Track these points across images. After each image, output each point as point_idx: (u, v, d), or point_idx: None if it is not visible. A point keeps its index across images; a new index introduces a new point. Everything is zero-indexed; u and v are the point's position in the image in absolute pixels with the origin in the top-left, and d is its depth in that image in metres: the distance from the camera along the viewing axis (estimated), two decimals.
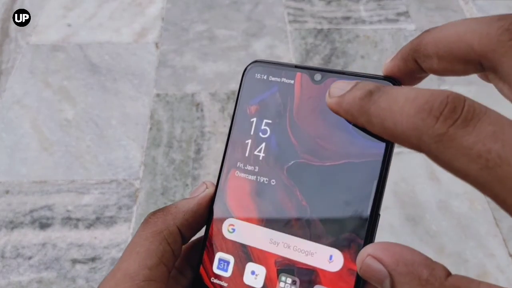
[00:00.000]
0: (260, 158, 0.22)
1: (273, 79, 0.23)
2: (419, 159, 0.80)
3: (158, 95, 0.91)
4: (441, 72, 0.19)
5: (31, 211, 0.75)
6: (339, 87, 0.19)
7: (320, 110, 0.21)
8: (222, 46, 1.01)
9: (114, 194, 0.77)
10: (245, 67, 0.24)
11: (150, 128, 0.86)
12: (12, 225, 0.74)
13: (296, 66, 0.23)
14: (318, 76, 0.22)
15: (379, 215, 0.20)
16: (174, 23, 1.06)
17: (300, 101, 0.22)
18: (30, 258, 0.70)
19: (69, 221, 0.74)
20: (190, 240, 0.23)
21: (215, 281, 0.22)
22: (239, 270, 0.22)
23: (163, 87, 0.93)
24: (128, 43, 1.01)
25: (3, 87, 0.93)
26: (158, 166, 0.80)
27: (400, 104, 0.16)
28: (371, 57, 0.98)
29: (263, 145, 0.22)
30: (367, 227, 0.20)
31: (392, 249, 0.17)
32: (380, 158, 0.20)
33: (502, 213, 0.74)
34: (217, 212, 0.23)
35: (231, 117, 0.23)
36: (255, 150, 0.23)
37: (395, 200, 0.76)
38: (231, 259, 0.22)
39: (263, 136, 0.23)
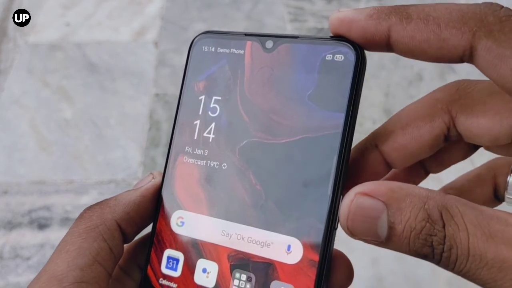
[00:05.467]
0: (210, 140, 0.20)
1: (221, 50, 0.20)
2: None
3: (157, 94, 0.91)
4: None
5: (30, 212, 0.75)
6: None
7: (273, 81, 0.19)
8: None
9: (113, 194, 0.76)
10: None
11: (149, 128, 0.85)
12: (11, 225, 0.73)
13: (246, 34, 0.20)
14: (269, 43, 0.20)
15: (343, 196, 0.17)
16: (174, 22, 1.05)
17: (251, 72, 0.20)
18: (28, 258, 0.70)
19: (67, 221, 0.74)
20: (138, 237, 0.21)
21: (164, 282, 0.20)
22: (190, 268, 0.19)
23: (162, 87, 0.92)
24: (127, 42, 1.01)
25: (1, 87, 0.92)
26: (157, 166, 0.80)
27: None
28: (371, 57, 0.98)
29: (213, 125, 0.20)
30: (329, 211, 0.17)
31: (382, 183, 0.15)
32: (340, 130, 0.18)
33: None
34: (164, 204, 0.20)
35: (178, 96, 0.21)
36: (204, 131, 0.20)
37: None
38: (180, 256, 0.20)
39: (212, 115, 0.20)
